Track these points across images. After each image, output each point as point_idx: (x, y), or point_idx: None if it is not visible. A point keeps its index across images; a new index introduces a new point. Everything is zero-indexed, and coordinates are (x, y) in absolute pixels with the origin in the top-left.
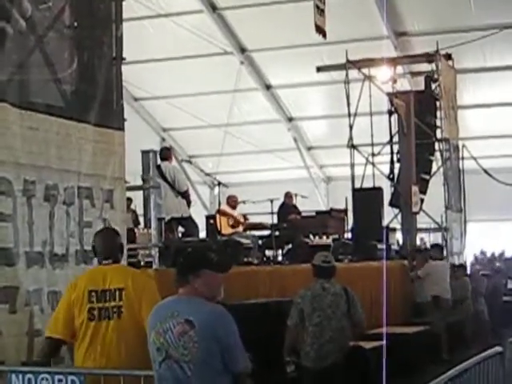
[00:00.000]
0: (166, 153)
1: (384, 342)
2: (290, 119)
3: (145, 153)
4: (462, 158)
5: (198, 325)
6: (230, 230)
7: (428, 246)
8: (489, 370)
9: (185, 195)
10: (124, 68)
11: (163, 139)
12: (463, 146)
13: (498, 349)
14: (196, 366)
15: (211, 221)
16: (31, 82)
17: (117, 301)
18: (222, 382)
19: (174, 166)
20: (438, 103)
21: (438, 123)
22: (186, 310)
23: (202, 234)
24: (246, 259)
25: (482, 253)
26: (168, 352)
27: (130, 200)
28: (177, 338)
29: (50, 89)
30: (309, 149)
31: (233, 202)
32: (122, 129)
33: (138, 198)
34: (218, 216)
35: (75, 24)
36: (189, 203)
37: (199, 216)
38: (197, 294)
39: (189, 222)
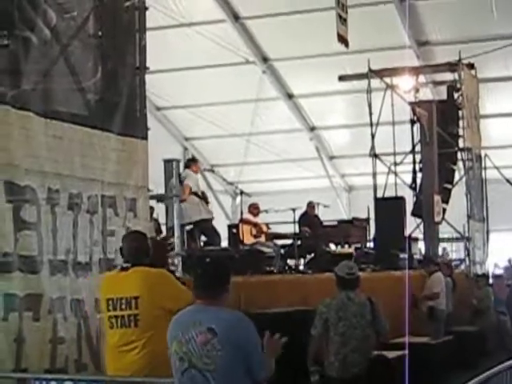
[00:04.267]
0: (190, 163)
1: (406, 351)
2: (312, 128)
3: (167, 162)
4: (485, 168)
5: (220, 332)
6: (252, 240)
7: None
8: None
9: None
10: (147, 77)
11: (185, 148)
12: (485, 155)
13: None
14: (219, 375)
15: (234, 230)
16: (55, 90)
17: (132, 309)
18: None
19: (190, 175)
20: (460, 112)
21: (461, 132)
22: (207, 319)
23: (224, 243)
24: (267, 268)
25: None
26: (191, 361)
27: (152, 209)
28: (200, 347)
29: (75, 98)
30: (331, 158)
31: (255, 210)
32: (145, 138)
33: (159, 206)
34: (240, 225)
35: (99, 33)
36: (207, 203)
37: (221, 225)
38: (217, 302)
39: (211, 230)
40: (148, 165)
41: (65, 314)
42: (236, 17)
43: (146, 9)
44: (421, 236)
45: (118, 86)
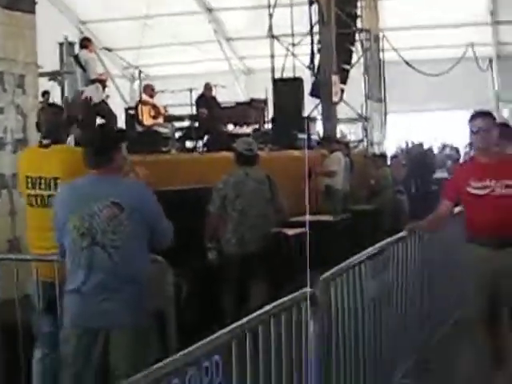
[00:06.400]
0: (85, 42)
1: (307, 228)
2: (210, 10)
3: (61, 44)
4: (383, 49)
5: (126, 206)
6: (150, 121)
7: (348, 137)
8: (408, 249)
9: (99, 81)
10: None
11: (81, 32)
12: (383, 36)
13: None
14: (123, 250)
15: (131, 112)
16: None
17: (52, 190)
18: (144, 258)
19: (89, 55)
20: None
21: (359, 13)
22: (110, 192)
23: (122, 126)
24: (164, 149)
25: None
26: (95, 238)
27: (47, 93)
28: (106, 222)
29: None
30: (228, 40)
31: (150, 91)
32: (32, 12)
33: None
34: (140, 106)
35: None
36: (104, 87)
37: (119, 109)
38: (114, 172)
39: (107, 112)
40: (36, 40)
41: None
42: None
43: None
44: (319, 117)
45: None
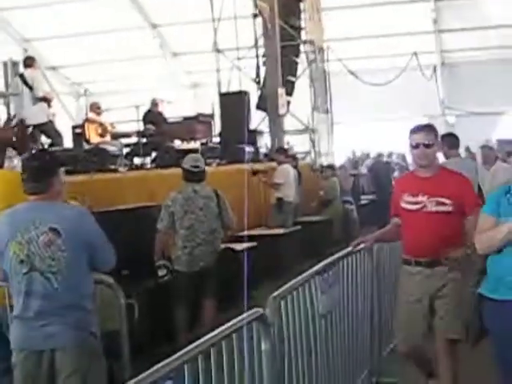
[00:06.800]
0: (29, 61)
1: (255, 243)
2: (154, 26)
3: (5, 64)
4: (328, 60)
5: (63, 232)
6: (98, 139)
7: (294, 149)
8: (358, 263)
9: (44, 99)
10: None
11: (26, 50)
12: (328, 47)
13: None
14: (63, 275)
15: (78, 130)
16: None
17: None
18: (87, 284)
19: (34, 74)
20: (302, 5)
21: (303, 25)
22: (48, 218)
23: (69, 144)
24: (112, 167)
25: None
26: (33, 264)
27: None
28: (43, 248)
29: None
30: (174, 55)
31: (96, 109)
32: None
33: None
34: (86, 124)
35: None
36: (49, 106)
37: (65, 127)
38: (53, 197)
39: (51, 131)
40: None
41: None
42: None
43: None
44: (267, 129)
45: None
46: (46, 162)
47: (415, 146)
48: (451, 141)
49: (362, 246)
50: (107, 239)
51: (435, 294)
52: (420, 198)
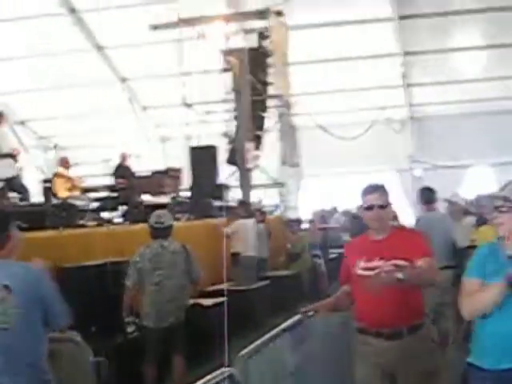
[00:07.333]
0: None
1: (224, 298)
2: (124, 79)
3: None
4: (296, 114)
5: (15, 289)
6: (66, 194)
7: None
8: (327, 319)
9: (10, 156)
10: None
11: None
12: (296, 102)
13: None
14: (16, 332)
15: (47, 184)
16: None
17: None
18: (42, 342)
19: (1, 130)
20: (269, 60)
21: (271, 80)
22: (1, 275)
23: (40, 199)
24: (81, 222)
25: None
26: None
27: None
28: None
29: None
30: (144, 108)
31: (66, 163)
32: None
33: None
34: (54, 179)
35: None
36: (16, 161)
37: (34, 181)
38: (5, 255)
39: (18, 185)
40: None
41: None
42: None
43: None
44: (238, 183)
45: None
46: None
47: (369, 208)
48: (428, 195)
49: (311, 313)
50: (60, 296)
51: (399, 367)
52: (376, 263)
